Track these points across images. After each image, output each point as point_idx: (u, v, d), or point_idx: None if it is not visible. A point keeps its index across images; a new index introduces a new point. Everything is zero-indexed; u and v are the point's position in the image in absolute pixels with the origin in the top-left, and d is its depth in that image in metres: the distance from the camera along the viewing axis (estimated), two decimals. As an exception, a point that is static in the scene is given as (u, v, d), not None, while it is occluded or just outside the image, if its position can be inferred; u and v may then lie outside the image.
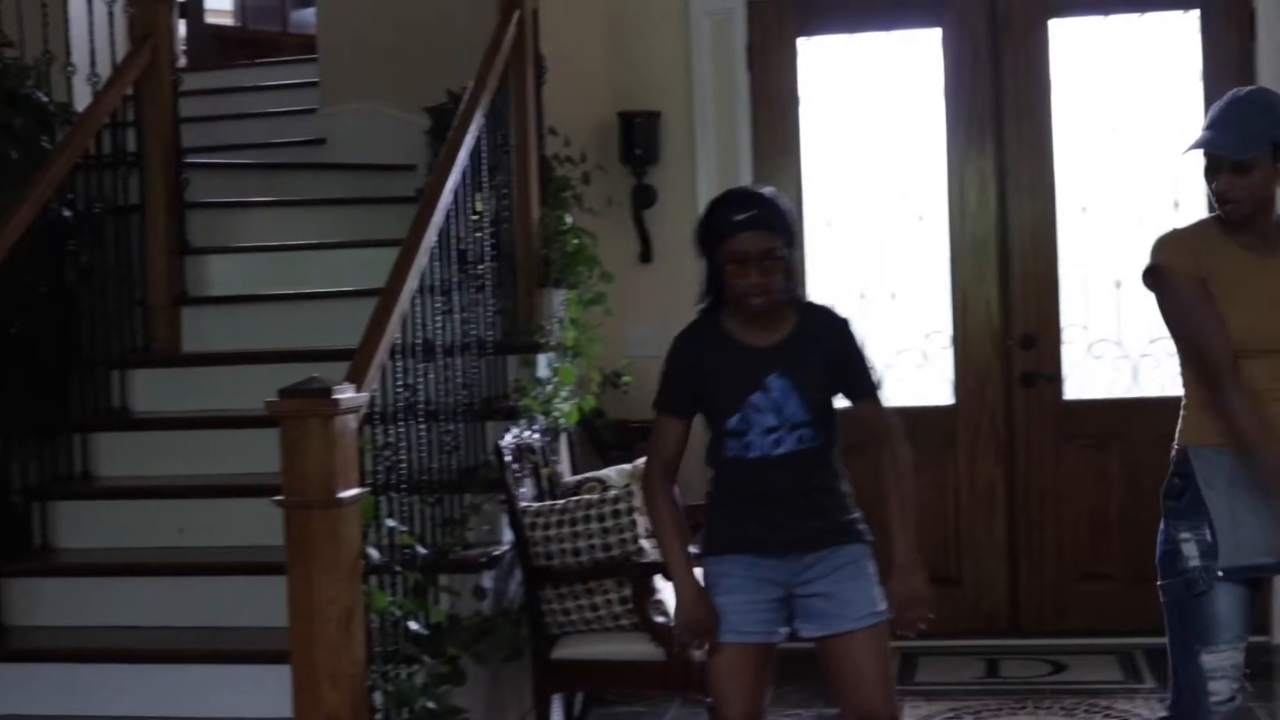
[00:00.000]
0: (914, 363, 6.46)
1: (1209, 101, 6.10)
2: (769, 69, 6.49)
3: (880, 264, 6.49)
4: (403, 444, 4.40)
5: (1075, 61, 6.38)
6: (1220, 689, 3.59)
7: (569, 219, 5.78)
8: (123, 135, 5.60)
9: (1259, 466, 3.51)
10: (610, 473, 5.36)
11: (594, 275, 5.76)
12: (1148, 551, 6.01)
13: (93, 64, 5.85)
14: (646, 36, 6.49)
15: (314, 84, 7.73)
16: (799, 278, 3.75)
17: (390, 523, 4.14)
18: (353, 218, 6.46)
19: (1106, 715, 5.34)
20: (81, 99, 5.77)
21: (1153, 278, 3.68)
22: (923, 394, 6.42)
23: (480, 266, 5.23)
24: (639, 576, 4.71)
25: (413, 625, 4.13)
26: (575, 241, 5.72)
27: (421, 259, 4.59)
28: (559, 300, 5.69)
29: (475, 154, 5.19)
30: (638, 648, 4.75)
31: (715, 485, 3.78)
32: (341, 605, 3.67)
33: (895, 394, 6.08)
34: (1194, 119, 6.15)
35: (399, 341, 4.41)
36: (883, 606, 3.68)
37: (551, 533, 4.79)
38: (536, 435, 5.22)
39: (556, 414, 5.37)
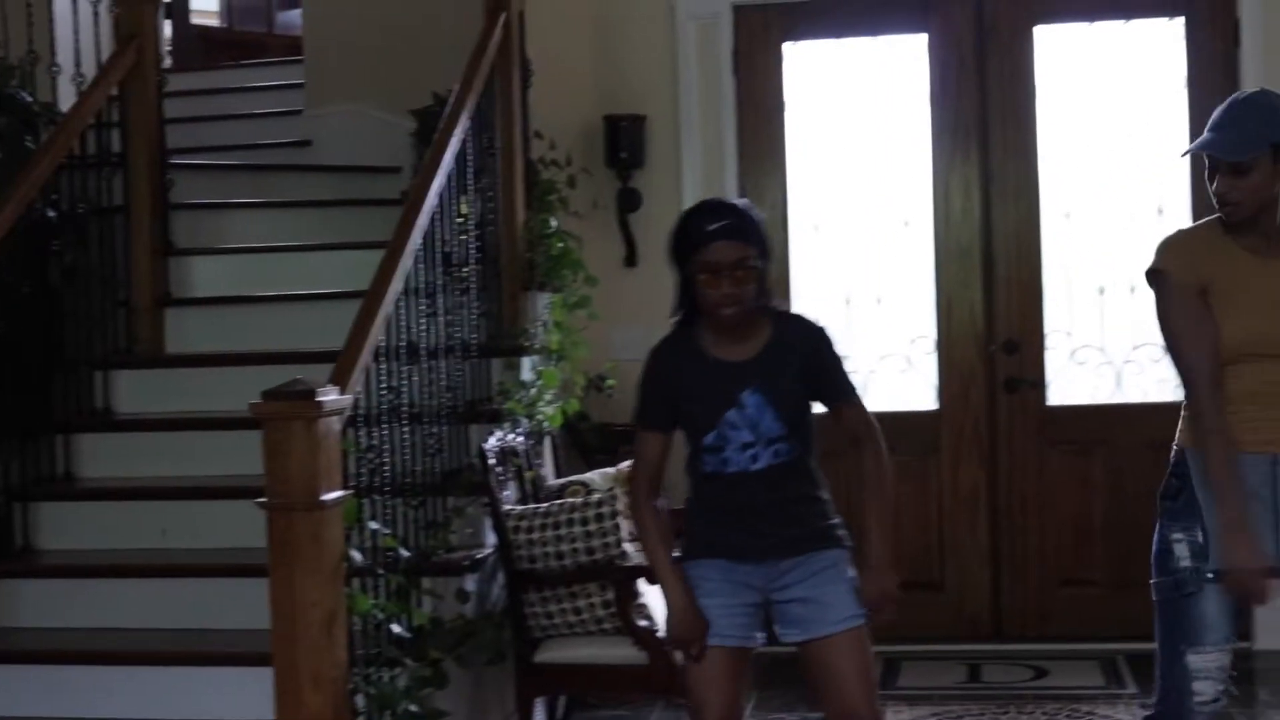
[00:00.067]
0: (898, 368, 6.47)
1: (1193, 109, 6.16)
2: (754, 73, 6.49)
3: (865, 269, 6.50)
4: (386, 446, 4.40)
5: (1060, 68, 6.39)
6: (1205, 690, 3.60)
7: (554, 222, 5.77)
8: (107, 136, 5.59)
9: (1214, 487, 3.56)
10: (594, 476, 5.36)
11: (579, 279, 5.76)
12: (1130, 557, 6.06)
13: (77, 64, 5.84)
14: (632, 40, 6.50)
15: (300, 85, 7.72)
16: (772, 289, 3.75)
17: (373, 525, 4.13)
18: (338, 220, 6.45)
19: (1088, 720, 5.36)
20: (66, 99, 5.75)
21: (1153, 279, 3.69)
22: (907, 399, 6.43)
23: (465, 269, 5.23)
24: (622, 580, 4.71)
25: (395, 628, 4.12)
26: (560, 245, 5.72)
27: (406, 261, 4.59)
28: (543, 303, 5.69)
29: (460, 157, 5.19)
30: (620, 651, 4.75)
31: (694, 495, 3.80)
32: (324, 608, 3.67)
33: (879, 399, 6.10)
34: (1179, 126, 6.20)
35: (383, 344, 4.40)
36: (862, 610, 3.69)
37: (535, 536, 4.79)
38: (520, 438, 5.22)
39: (540, 417, 5.37)
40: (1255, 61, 6.09)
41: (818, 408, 3.76)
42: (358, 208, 6.57)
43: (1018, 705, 5.53)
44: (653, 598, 4.68)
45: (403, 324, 4.61)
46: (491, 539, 4.94)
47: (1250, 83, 5.94)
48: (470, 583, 4.84)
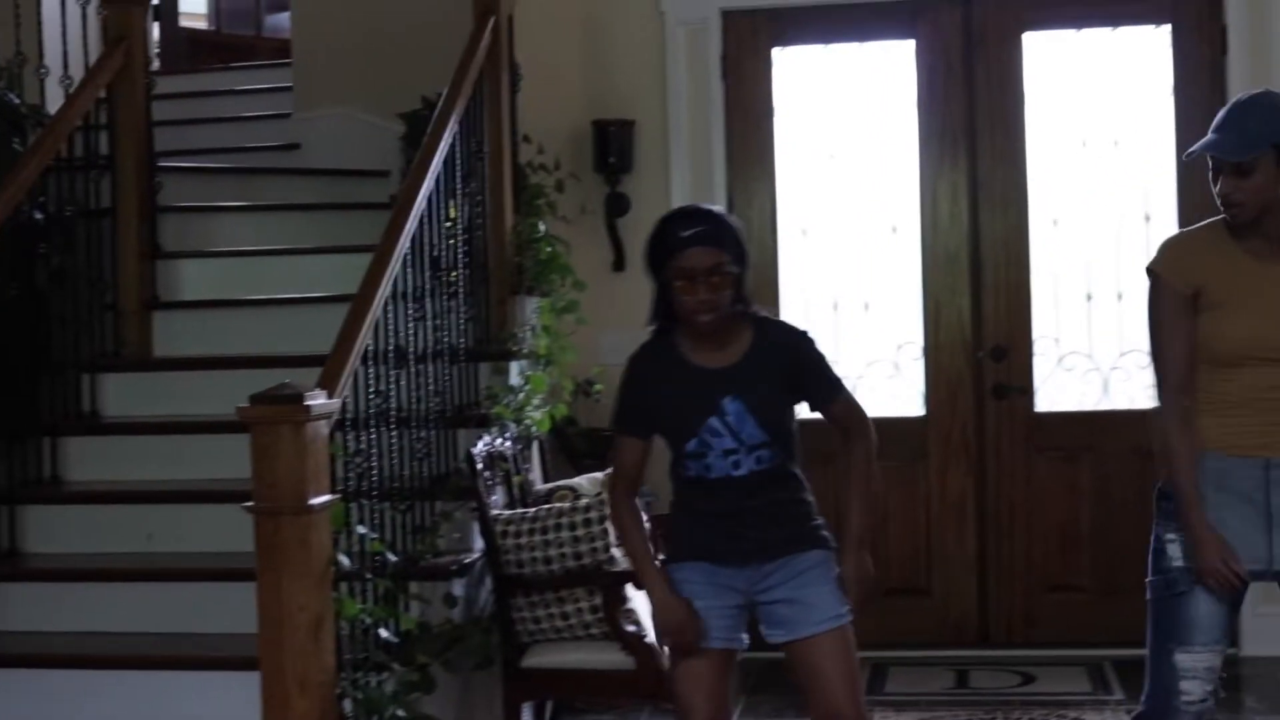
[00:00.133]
0: (885, 373, 6.47)
1: (1180, 115, 6.18)
2: (743, 79, 6.50)
3: (853, 275, 6.50)
4: (374, 451, 4.40)
5: (1048, 74, 6.40)
6: (1192, 689, 3.62)
7: (542, 227, 5.77)
8: (95, 138, 5.58)
9: (1174, 492, 3.60)
10: (582, 481, 5.35)
11: (567, 283, 5.76)
12: (1117, 563, 6.07)
13: (65, 66, 5.83)
14: (622, 45, 6.50)
15: (288, 89, 7.70)
16: (751, 295, 3.74)
17: (361, 529, 4.13)
18: (326, 223, 6.44)
19: (1075, 726, 5.37)
20: (54, 101, 5.74)
21: (1149, 277, 3.70)
22: (894, 405, 6.43)
23: (453, 273, 5.22)
24: (610, 585, 4.71)
25: (383, 633, 4.12)
26: (548, 249, 5.72)
27: (394, 265, 4.59)
28: (531, 308, 5.69)
29: (449, 160, 5.19)
30: (608, 656, 4.74)
31: (677, 500, 3.82)
32: (311, 612, 3.66)
33: (866, 404, 5.97)
34: (1166, 133, 6.21)
35: (371, 348, 4.40)
36: (846, 609, 3.70)
37: (523, 541, 4.78)
38: (508, 443, 5.21)
39: (528, 422, 5.37)
40: (1242, 68, 6.10)
41: (816, 415, 3.77)
42: (346, 211, 6.55)
43: (1005, 711, 5.53)
44: (640, 603, 4.68)
45: (391, 328, 4.61)
46: (479, 544, 4.93)
47: (1237, 89, 5.93)
48: (458, 587, 4.83)
